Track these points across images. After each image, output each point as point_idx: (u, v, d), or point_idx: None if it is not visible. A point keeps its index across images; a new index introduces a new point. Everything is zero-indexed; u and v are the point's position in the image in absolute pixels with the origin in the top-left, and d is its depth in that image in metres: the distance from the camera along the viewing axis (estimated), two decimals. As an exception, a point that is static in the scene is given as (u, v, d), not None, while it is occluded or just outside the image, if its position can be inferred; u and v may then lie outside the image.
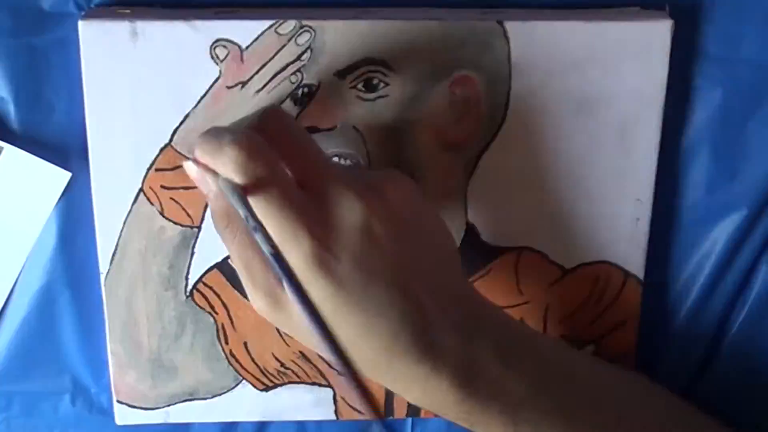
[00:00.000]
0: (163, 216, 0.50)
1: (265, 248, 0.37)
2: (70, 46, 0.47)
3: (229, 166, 0.38)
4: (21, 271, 0.52)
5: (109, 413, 0.54)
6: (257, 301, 0.40)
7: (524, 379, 0.42)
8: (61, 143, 0.50)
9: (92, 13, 0.47)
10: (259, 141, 0.39)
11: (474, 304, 0.43)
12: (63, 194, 0.50)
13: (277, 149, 0.39)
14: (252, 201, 0.38)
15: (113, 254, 0.50)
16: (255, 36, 0.47)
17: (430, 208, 0.43)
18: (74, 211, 0.51)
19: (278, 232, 0.38)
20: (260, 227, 0.38)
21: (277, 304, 0.40)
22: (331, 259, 0.38)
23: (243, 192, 0.38)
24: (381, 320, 0.39)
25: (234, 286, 0.51)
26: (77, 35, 0.46)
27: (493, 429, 0.42)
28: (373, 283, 0.38)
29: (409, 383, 0.41)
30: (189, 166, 0.41)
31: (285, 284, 0.38)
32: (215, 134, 0.39)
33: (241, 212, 0.38)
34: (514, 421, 0.42)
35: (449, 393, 0.40)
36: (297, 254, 0.38)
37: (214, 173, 0.39)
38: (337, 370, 0.34)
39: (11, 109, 0.49)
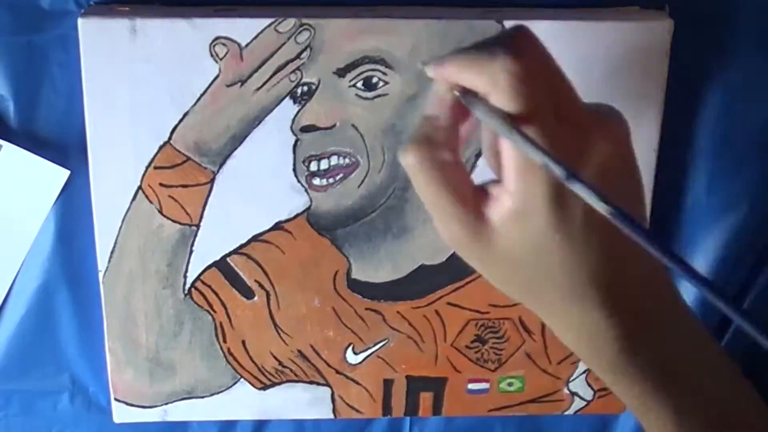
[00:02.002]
0: (162, 214, 0.50)
1: (558, 171, 0.34)
2: (70, 44, 0.47)
3: (499, 88, 0.35)
4: (19, 270, 0.52)
5: (107, 411, 0.54)
6: (454, 232, 0.38)
7: (679, 356, 0.41)
8: (60, 141, 0.50)
9: (92, 11, 0.47)
10: (533, 63, 0.36)
11: (657, 269, 0.41)
12: (61, 192, 0.50)
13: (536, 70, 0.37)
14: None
15: (112, 252, 0.50)
16: (254, 34, 0.47)
17: (632, 152, 0.41)
18: (73, 209, 0.51)
19: (526, 159, 0.36)
20: (537, 148, 0.35)
21: (477, 234, 0.38)
22: (566, 191, 0.36)
23: (508, 118, 0.35)
24: (583, 261, 0.38)
25: (232, 285, 0.51)
26: (77, 33, 0.46)
27: (635, 390, 0.41)
28: (591, 223, 0.37)
29: (578, 324, 0.40)
30: (438, 81, 0.38)
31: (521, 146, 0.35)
32: (482, 53, 0.36)
33: (511, 137, 0.35)
34: (655, 388, 0.41)
35: (613, 342, 0.40)
36: (542, 179, 0.36)
37: (469, 97, 0.37)
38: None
39: (10, 107, 0.49)
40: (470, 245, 0.39)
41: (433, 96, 0.39)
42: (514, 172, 0.37)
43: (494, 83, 0.36)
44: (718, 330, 0.55)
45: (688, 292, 0.54)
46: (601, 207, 0.34)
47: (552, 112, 0.37)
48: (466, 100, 0.37)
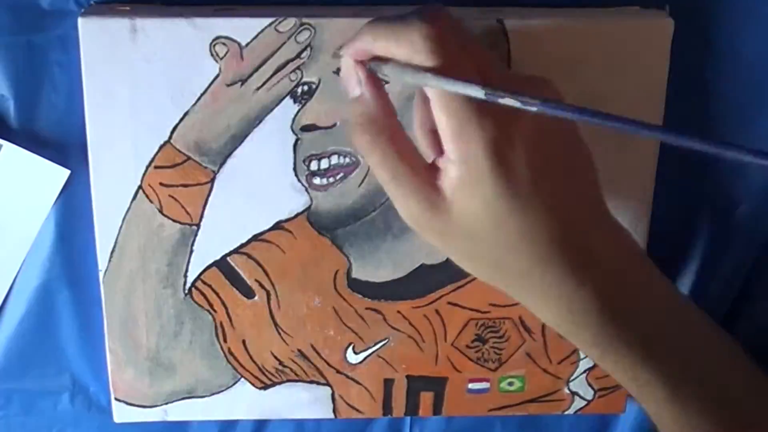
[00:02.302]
0: (162, 214, 0.50)
1: (476, 92, 0.35)
2: (70, 43, 0.47)
3: (418, 47, 0.36)
4: (20, 269, 0.52)
5: (107, 411, 0.54)
6: (411, 207, 0.38)
7: (660, 317, 0.41)
8: (60, 141, 0.50)
9: (92, 10, 0.47)
10: (449, 20, 0.37)
11: (615, 222, 0.41)
12: (62, 192, 0.50)
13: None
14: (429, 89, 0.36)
15: (112, 252, 0.50)
16: (255, 33, 0.47)
17: (574, 126, 0.41)
18: (73, 209, 0.51)
19: (459, 120, 0.36)
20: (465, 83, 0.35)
21: (434, 208, 0.38)
22: (507, 149, 0.36)
23: (432, 70, 0.36)
24: (543, 224, 0.37)
25: (232, 285, 0.51)
26: (77, 33, 0.46)
27: (623, 362, 0.41)
28: (541, 181, 0.37)
29: (556, 298, 0.39)
30: (345, 60, 0.39)
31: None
32: (392, 19, 0.37)
33: (434, 82, 0.35)
34: (642, 360, 0.40)
35: (593, 313, 0.39)
36: (478, 139, 0.36)
37: (379, 61, 0.38)
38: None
39: (11, 107, 0.49)
40: (428, 221, 0.38)
41: (345, 77, 0.40)
42: (450, 139, 0.37)
43: (412, 47, 0.36)
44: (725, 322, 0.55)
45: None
46: (531, 105, 0.34)
47: (474, 72, 0.37)
48: (375, 66, 0.38)
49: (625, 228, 0.42)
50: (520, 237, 0.38)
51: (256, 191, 0.49)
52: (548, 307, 0.40)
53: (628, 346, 0.40)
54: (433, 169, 0.38)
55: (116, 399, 0.53)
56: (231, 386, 0.54)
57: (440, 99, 0.36)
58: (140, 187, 0.49)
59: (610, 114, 0.33)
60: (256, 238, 0.51)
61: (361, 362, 0.54)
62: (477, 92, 0.35)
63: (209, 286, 0.51)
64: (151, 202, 0.49)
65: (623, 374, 0.42)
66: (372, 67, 0.39)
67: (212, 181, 0.49)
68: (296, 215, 0.50)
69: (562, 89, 0.47)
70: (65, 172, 0.50)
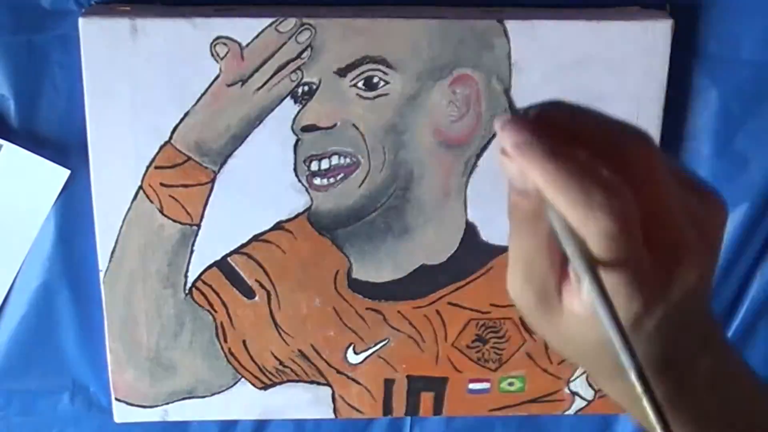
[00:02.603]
0: (163, 214, 0.50)
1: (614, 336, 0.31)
2: (70, 43, 0.47)
3: (594, 233, 0.31)
4: (20, 269, 0.52)
5: (107, 411, 0.54)
6: (526, 295, 0.35)
7: (724, 411, 0.39)
8: (61, 140, 0.50)
9: (92, 11, 0.47)
10: (634, 213, 0.31)
11: (709, 321, 0.38)
12: (62, 192, 0.50)
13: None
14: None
15: (112, 252, 0.50)
16: (255, 34, 0.47)
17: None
18: (73, 209, 0.51)
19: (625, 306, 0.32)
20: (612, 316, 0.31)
21: (547, 306, 0.35)
22: (644, 316, 0.33)
23: (594, 265, 0.31)
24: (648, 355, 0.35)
25: (233, 285, 0.51)
26: (77, 33, 0.46)
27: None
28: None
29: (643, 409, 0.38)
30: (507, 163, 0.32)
31: (588, 283, 0.31)
32: (576, 167, 0.30)
33: (592, 291, 0.31)
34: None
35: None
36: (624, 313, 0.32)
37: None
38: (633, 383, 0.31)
39: (11, 106, 0.49)
40: (537, 314, 0.36)
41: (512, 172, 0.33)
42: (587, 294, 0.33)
43: (587, 230, 0.31)
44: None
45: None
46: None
47: (641, 243, 0.32)
48: (546, 208, 0.32)
49: (717, 323, 0.39)
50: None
51: (257, 191, 0.49)
52: (634, 410, 0.38)
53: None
54: (563, 274, 0.34)
55: (117, 399, 0.53)
56: (231, 386, 0.53)
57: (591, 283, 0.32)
58: (141, 187, 0.49)
59: None
60: (256, 238, 0.51)
61: (361, 362, 0.54)
62: (625, 362, 0.31)
63: (210, 286, 0.51)
64: (151, 202, 0.49)
65: None
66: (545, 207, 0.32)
67: (213, 181, 0.49)
68: (297, 215, 0.50)
69: (562, 88, 0.48)
70: (65, 172, 0.50)
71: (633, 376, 0.31)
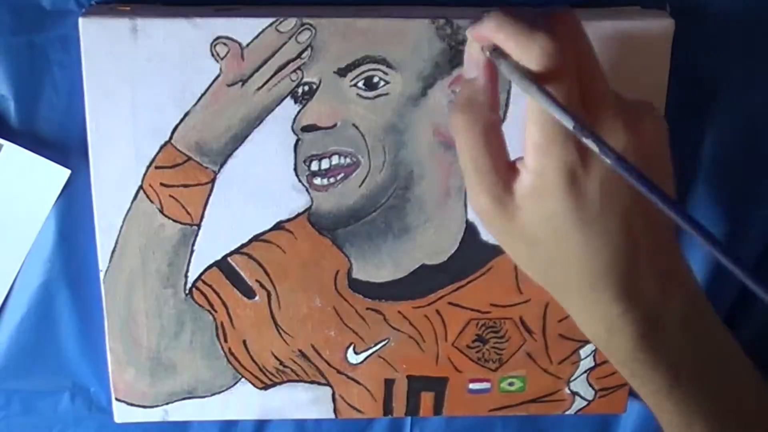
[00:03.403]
0: (163, 214, 0.50)
1: (567, 122, 0.36)
2: (71, 43, 0.47)
3: (535, 54, 0.37)
4: (20, 269, 0.52)
5: (108, 411, 0.54)
6: (480, 198, 0.40)
7: (695, 353, 0.42)
8: (61, 140, 0.50)
9: (93, 11, 0.47)
10: (571, 36, 0.38)
11: (678, 261, 0.42)
12: (62, 192, 0.50)
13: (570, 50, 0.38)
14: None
15: (113, 252, 0.50)
16: (255, 34, 0.47)
17: (667, 153, 0.42)
18: (73, 209, 0.51)
19: (548, 129, 0.37)
20: (557, 104, 0.36)
21: (503, 207, 0.39)
22: (582, 175, 0.38)
23: (536, 79, 0.37)
24: (600, 249, 0.39)
25: (233, 285, 0.51)
26: (77, 33, 0.46)
27: (650, 387, 0.42)
28: (608, 210, 0.38)
29: (597, 319, 0.41)
30: (470, 42, 0.40)
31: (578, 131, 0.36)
32: (523, 20, 0.38)
33: (539, 97, 0.36)
34: (669, 387, 0.42)
35: (630, 339, 0.40)
36: (557, 159, 0.37)
37: (498, 53, 0.38)
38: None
39: (11, 107, 0.49)
40: (495, 217, 0.40)
41: (467, 57, 0.40)
42: (531, 150, 0.38)
43: (529, 54, 0.37)
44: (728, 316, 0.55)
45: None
46: (606, 157, 0.35)
47: (578, 96, 0.38)
48: (494, 56, 0.39)
49: (687, 266, 0.43)
50: (576, 255, 0.39)
51: (257, 191, 0.49)
52: (589, 323, 0.42)
53: (657, 374, 0.42)
54: (511, 170, 0.39)
55: (117, 399, 0.53)
56: (231, 386, 0.54)
57: (534, 110, 0.37)
58: (141, 187, 0.49)
59: (677, 204, 0.34)
60: (256, 238, 0.51)
61: (361, 362, 0.54)
62: (567, 122, 0.36)
63: (210, 286, 0.51)
64: (151, 202, 0.49)
65: (647, 397, 0.43)
66: (493, 56, 0.39)
67: (213, 181, 0.49)
68: (297, 215, 0.50)
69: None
70: (66, 172, 0.50)
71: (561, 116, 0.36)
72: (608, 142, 0.35)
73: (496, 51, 0.39)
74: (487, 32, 0.39)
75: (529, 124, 0.38)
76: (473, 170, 0.40)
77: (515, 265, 0.51)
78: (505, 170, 0.39)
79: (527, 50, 0.37)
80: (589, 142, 0.35)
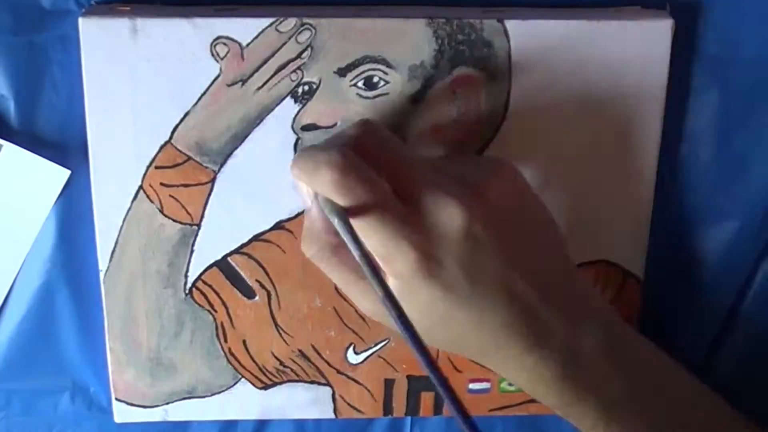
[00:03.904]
0: (163, 214, 0.50)
1: (364, 269, 0.38)
2: (71, 43, 0.47)
3: (326, 186, 0.38)
4: (20, 270, 0.52)
5: (108, 411, 0.54)
6: (366, 306, 0.42)
7: (623, 378, 0.43)
8: (61, 141, 0.50)
9: (92, 11, 0.47)
10: (353, 158, 0.39)
11: (581, 290, 0.43)
12: (62, 192, 0.50)
13: (372, 161, 0.40)
14: (352, 218, 0.38)
15: (112, 252, 0.50)
16: (255, 34, 0.47)
17: (531, 194, 0.43)
18: (73, 209, 0.51)
19: (382, 245, 0.38)
20: (356, 244, 0.38)
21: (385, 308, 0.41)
22: (435, 266, 0.38)
23: (344, 212, 0.38)
24: (489, 316, 0.39)
25: (233, 285, 0.51)
26: (77, 33, 0.46)
27: (585, 422, 0.43)
28: (479, 282, 0.39)
29: (517, 370, 0.42)
30: (295, 183, 0.42)
31: (380, 299, 0.38)
32: (310, 154, 0.39)
33: (339, 228, 0.38)
34: (606, 418, 0.42)
35: (552, 381, 0.41)
36: (402, 265, 0.38)
37: (314, 192, 0.40)
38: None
39: (11, 107, 0.49)
40: (383, 316, 0.40)
41: (299, 192, 0.42)
42: (380, 260, 0.39)
43: (321, 189, 0.39)
44: (717, 330, 0.55)
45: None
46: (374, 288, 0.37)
47: (388, 195, 0.39)
48: (315, 195, 0.40)
49: (594, 292, 0.44)
50: (470, 327, 0.40)
51: (257, 191, 0.49)
52: (510, 376, 0.43)
53: (588, 410, 0.42)
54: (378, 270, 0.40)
55: (117, 399, 0.53)
56: (231, 386, 0.53)
57: (360, 225, 0.38)
58: (141, 187, 0.49)
59: (422, 345, 0.36)
60: (256, 238, 0.51)
61: (361, 362, 0.54)
62: (359, 258, 0.37)
63: (210, 286, 0.51)
64: (151, 202, 0.49)
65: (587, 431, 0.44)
66: (312, 195, 0.41)
67: (213, 181, 0.49)
68: (297, 215, 0.50)
69: (563, 88, 0.48)
70: (66, 172, 0.50)
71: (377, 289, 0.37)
72: (382, 281, 0.37)
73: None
74: (294, 177, 0.40)
75: (364, 238, 0.38)
76: (344, 286, 0.42)
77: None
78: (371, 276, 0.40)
79: (323, 186, 0.38)
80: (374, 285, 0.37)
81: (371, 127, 0.42)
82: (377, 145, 0.41)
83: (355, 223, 0.38)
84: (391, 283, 0.39)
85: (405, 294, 0.39)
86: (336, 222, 0.38)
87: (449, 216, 0.39)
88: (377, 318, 0.42)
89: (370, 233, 0.38)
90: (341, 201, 0.38)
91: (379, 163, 0.40)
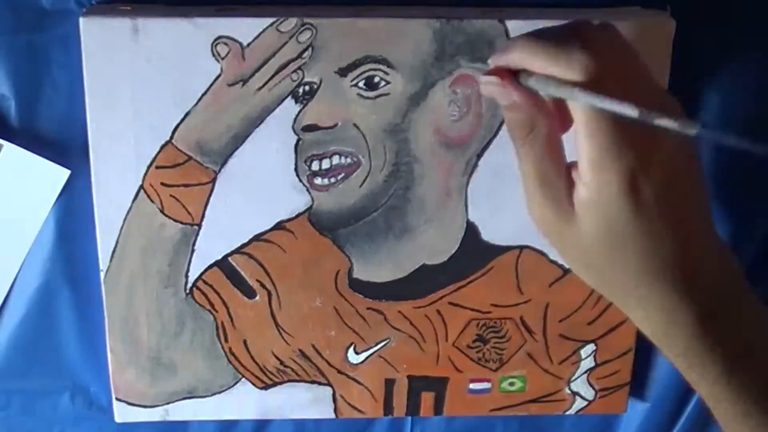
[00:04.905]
0: (164, 213, 0.50)
1: (630, 111, 0.36)
2: (71, 43, 0.47)
3: (574, 68, 0.37)
4: (20, 270, 0.52)
5: (107, 411, 0.54)
6: (545, 212, 0.41)
7: (752, 331, 0.42)
8: (61, 140, 0.50)
9: (93, 10, 0.47)
10: (608, 45, 0.38)
11: (727, 254, 0.43)
12: (62, 192, 0.50)
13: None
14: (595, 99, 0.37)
15: (113, 252, 0.50)
16: (256, 33, 0.47)
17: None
18: (73, 209, 0.51)
19: (601, 143, 0.37)
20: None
21: (564, 219, 0.40)
22: (641, 182, 0.38)
23: (582, 86, 0.37)
24: (658, 248, 0.39)
25: (234, 285, 0.51)
26: (78, 33, 0.46)
27: (708, 377, 0.43)
28: (665, 211, 0.39)
29: (656, 309, 0.41)
30: (488, 80, 0.40)
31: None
32: (553, 37, 0.38)
33: (587, 99, 0.36)
34: (729, 371, 0.42)
35: (689, 326, 0.41)
36: (614, 173, 0.38)
37: (516, 81, 0.39)
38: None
39: (11, 106, 0.49)
40: (555, 227, 0.41)
41: (492, 89, 0.40)
42: (588, 165, 0.38)
43: (569, 73, 0.37)
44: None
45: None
46: (691, 128, 0.35)
47: (627, 93, 0.37)
48: (525, 79, 0.39)
49: (730, 251, 0.43)
50: (636, 257, 0.40)
51: (258, 191, 0.49)
52: (647, 316, 0.42)
53: (713, 363, 0.42)
54: (570, 181, 0.40)
55: (117, 399, 0.53)
56: (232, 386, 0.53)
57: (585, 124, 0.38)
58: (141, 187, 0.49)
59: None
60: (257, 238, 0.51)
61: (362, 362, 0.54)
62: (631, 111, 0.35)
63: (210, 286, 0.51)
64: (152, 202, 0.49)
65: (705, 389, 0.43)
66: (525, 80, 0.39)
67: (213, 181, 0.49)
68: (297, 215, 0.50)
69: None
70: (65, 172, 0.50)
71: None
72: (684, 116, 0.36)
73: (526, 74, 0.39)
74: (518, 60, 0.39)
75: (581, 138, 0.38)
76: (540, 182, 0.40)
77: (516, 265, 0.52)
78: (565, 181, 0.40)
79: (567, 69, 0.37)
80: (665, 122, 0.35)
81: (613, 31, 0.40)
82: (618, 48, 0.40)
83: (583, 122, 0.37)
84: (589, 192, 0.39)
85: (597, 207, 0.39)
86: (579, 93, 0.36)
87: (682, 144, 0.39)
88: (544, 230, 0.41)
89: (592, 131, 0.37)
90: (586, 77, 0.37)
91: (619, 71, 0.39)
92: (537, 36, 0.39)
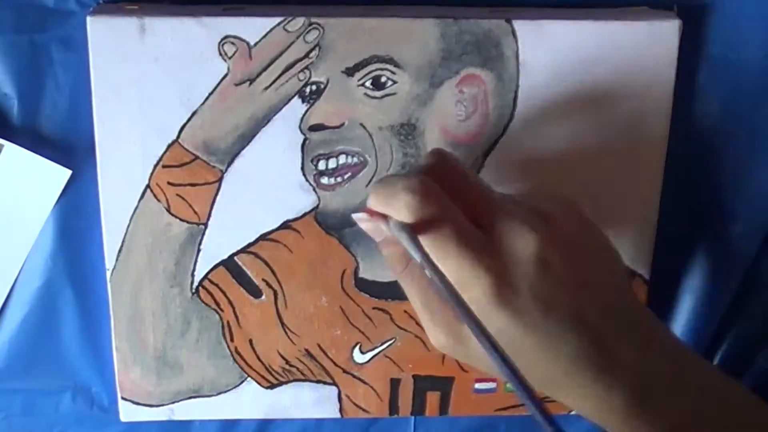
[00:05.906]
0: (170, 213, 0.50)
1: (442, 287, 0.37)
2: (74, 43, 0.47)
3: (402, 210, 0.38)
4: (21, 269, 0.52)
5: (109, 411, 0.54)
6: (439, 337, 0.42)
7: (689, 404, 0.42)
8: (63, 140, 0.50)
9: (100, 9, 0.47)
10: (431, 183, 0.39)
11: (645, 318, 0.43)
12: (64, 192, 0.50)
13: (447, 189, 0.40)
14: (428, 242, 0.38)
15: (119, 251, 0.50)
16: (263, 33, 0.46)
17: (593, 226, 0.43)
18: (76, 209, 0.51)
19: (456, 269, 0.38)
20: (433, 267, 0.38)
21: (458, 339, 0.41)
22: (510, 292, 0.38)
23: (414, 232, 0.38)
24: (559, 344, 0.39)
25: (240, 284, 0.51)
26: (81, 32, 0.46)
27: None
28: (551, 310, 0.39)
29: (584, 399, 0.42)
30: (359, 217, 0.42)
31: (463, 318, 0.37)
32: (389, 182, 0.40)
33: (414, 254, 0.38)
34: None
35: (620, 410, 0.41)
36: (478, 290, 0.38)
37: (386, 219, 0.40)
38: (516, 393, 0.35)
39: (14, 106, 0.49)
40: (452, 348, 0.41)
41: (369, 230, 0.42)
42: (454, 282, 0.38)
43: (398, 213, 0.39)
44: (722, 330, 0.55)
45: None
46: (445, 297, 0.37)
47: (465, 224, 0.39)
48: (385, 223, 0.40)
49: (662, 325, 0.44)
50: (540, 355, 0.40)
51: (264, 191, 0.49)
52: (577, 404, 0.43)
53: None
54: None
55: (123, 398, 0.53)
56: (237, 385, 0.53)
57: (433, 251, 0.39)
58: (148, 186, 0.49)
59: (516, 372, 0.35)
60: (263, 237, 0.50)
61: (367, 362, 0.54)
62: (440, 284, 0.37)
63: (216, 285, 0.51)
64: (158, 201, 0.49)
65: None
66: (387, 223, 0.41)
67: (220, 180, 0.49)
68: (304, 215, 0.50)
69: (570, 88, 0.48)
70: (66, 172, 0.50)
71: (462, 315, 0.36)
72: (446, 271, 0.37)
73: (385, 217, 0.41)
74: (373, 206, 0.41)
75: (439, 264, 0.39)
76: (424, 310, 0.42)
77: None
78: (450, 309, 0.41)
79: (399, 210, 0.39)
80: (433, 276, 0.37)
81: (444, 155, 0.42)
82: (451, 173, 0.41)
83: (430, 247, 0.38)
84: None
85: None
86: (407, 242, 0.38)
87: (524, 242, 0.39)
88: (445, 351, 0.42)
89: (446, 257, 0.38)
90: (413, 220, 0.38)
91: (453, 191, 0.40)
92: (378, 182, 0.41)
